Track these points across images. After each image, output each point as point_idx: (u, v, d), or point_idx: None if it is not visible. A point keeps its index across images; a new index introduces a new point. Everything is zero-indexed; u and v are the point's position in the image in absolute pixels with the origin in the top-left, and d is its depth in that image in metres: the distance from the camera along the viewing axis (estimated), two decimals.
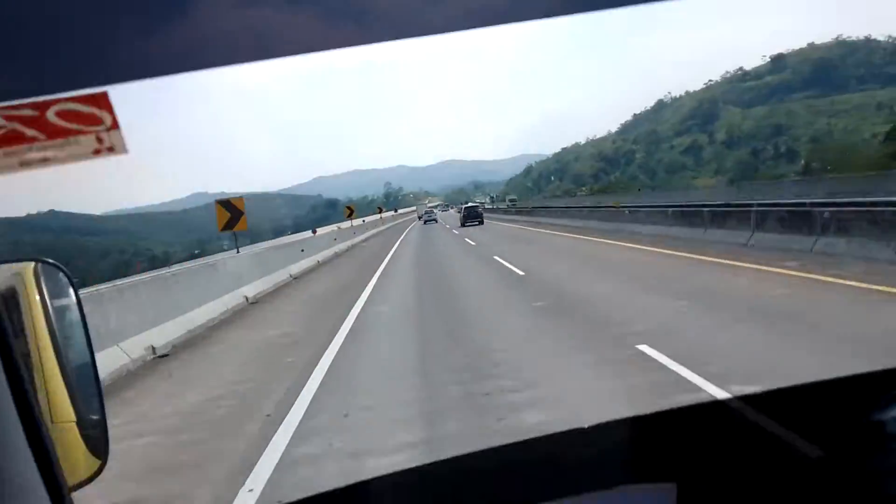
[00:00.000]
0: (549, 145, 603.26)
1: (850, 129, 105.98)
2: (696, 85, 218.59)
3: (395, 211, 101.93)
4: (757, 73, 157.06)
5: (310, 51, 0.54)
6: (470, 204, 60.58)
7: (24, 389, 0.65)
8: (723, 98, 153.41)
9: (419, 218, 77.50)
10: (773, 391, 1.01)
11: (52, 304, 0.90)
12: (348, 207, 38.17)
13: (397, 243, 30.14)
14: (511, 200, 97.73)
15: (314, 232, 31.91)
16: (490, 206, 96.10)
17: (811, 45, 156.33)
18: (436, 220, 65.26)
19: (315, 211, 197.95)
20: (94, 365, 0.98)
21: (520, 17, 0.56)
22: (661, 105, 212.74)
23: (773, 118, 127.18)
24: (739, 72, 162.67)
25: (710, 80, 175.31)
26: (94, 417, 0.92)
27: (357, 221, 44.18)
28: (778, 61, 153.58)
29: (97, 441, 0.89)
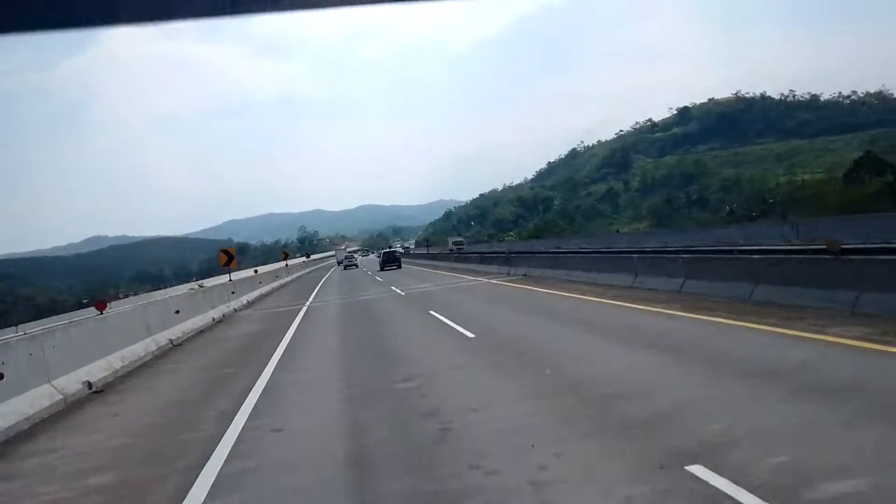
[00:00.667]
0: (464, 191, 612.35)
1: (756, 179, 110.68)
2: (607, 135, 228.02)
3: (308, 257, 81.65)
4: (665, 125, 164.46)
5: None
6: (388, 249, 63.22)
7: None
8: (634, 147, 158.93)
9: (338, 263, 72.09)
10: None
11: None
12: (225, 252, 26.34)
13: (293, 327, 15.51)
14: (457, 243, 76.72)
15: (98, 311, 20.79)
16: (418, 252, 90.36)
17: (712, 100, 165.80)
18: (356, 266, 61.49)
19: None
20: None
21: None
22: (574, 154, 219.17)
23: (683, 167, 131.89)
24: (648, 123, 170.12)
25: (622, 131, 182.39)
26: None
27: (245, 273, 37.90)
28: (684, 114, 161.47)
29: None
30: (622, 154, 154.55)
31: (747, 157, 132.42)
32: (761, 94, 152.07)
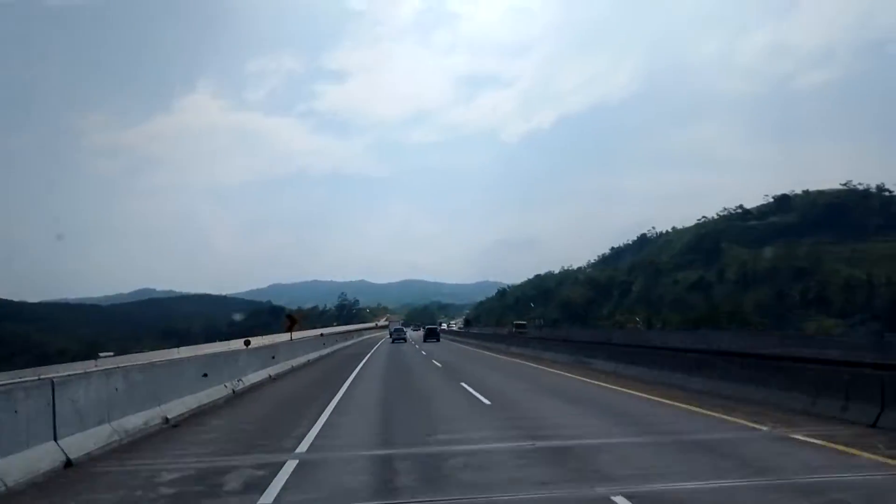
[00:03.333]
0: (508, 273, 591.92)
1: None
2: (677, 222, 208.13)
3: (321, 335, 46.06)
4: (760, 213, 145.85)
5: None
6: (430, 325, 71.94)
7: None
8: (723, 235, 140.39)
9: (389, 335, 65.69)
10: None
11: None
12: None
13: None
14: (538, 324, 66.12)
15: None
16: (462, 330, 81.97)
17: (807, 192, 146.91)
18: (404, 340, 58.10)
19: (256, 317, 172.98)
20: None
21: None
22: (644, 239, 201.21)
23: (791, 260, 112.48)
24: (739, 210, 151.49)
25: (703, 217, 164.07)
26: None
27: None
28: (782, 202, 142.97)
29: None
30: (711, 241, 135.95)
31: (868, 255, 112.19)
32: (878, 186, 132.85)
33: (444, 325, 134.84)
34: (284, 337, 34.83)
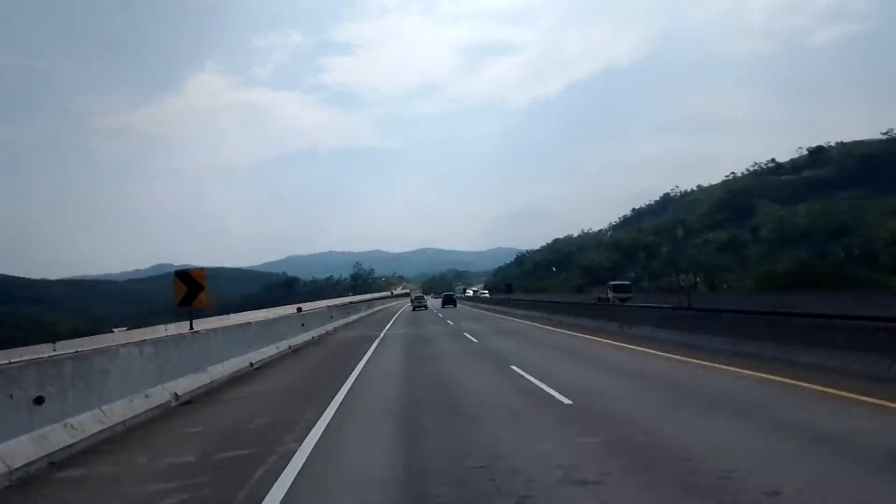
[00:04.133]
0: (521, 240, 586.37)
1: None
2: (702, 182, 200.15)
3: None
4: (794, 166, 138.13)
5: None
6: (447, 293, 76.29)
7: None
8: (755, 191, 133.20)
9: (411, 303, 68.63)
10: None
11: None
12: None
13: None
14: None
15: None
16: (503, 297, 77.94)
17: (841, 143, 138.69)
18: (425, 307, 59.14)
19: (270, 290, 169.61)
20: None
21: None
22: (667, 199, 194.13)
23: (832, 216, 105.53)
24: (771, 163, 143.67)
25: (733, 173, 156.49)
26: None
27: None
28: (817, 155, 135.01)
29: None
30: (742, 198, 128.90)
31: None
32: None
33: (470, 292, 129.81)
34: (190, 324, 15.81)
